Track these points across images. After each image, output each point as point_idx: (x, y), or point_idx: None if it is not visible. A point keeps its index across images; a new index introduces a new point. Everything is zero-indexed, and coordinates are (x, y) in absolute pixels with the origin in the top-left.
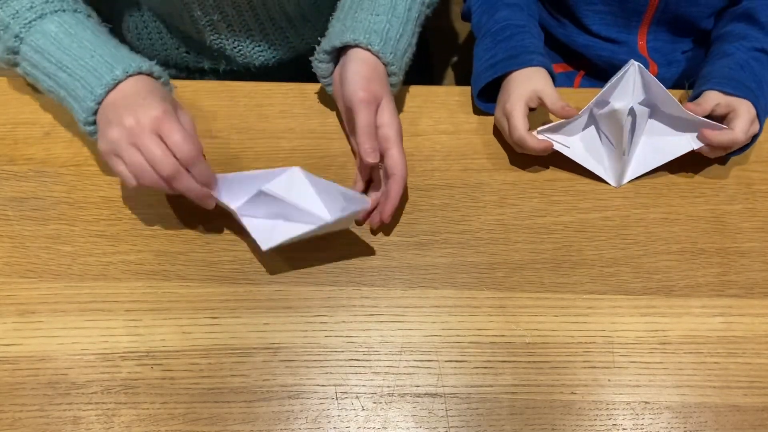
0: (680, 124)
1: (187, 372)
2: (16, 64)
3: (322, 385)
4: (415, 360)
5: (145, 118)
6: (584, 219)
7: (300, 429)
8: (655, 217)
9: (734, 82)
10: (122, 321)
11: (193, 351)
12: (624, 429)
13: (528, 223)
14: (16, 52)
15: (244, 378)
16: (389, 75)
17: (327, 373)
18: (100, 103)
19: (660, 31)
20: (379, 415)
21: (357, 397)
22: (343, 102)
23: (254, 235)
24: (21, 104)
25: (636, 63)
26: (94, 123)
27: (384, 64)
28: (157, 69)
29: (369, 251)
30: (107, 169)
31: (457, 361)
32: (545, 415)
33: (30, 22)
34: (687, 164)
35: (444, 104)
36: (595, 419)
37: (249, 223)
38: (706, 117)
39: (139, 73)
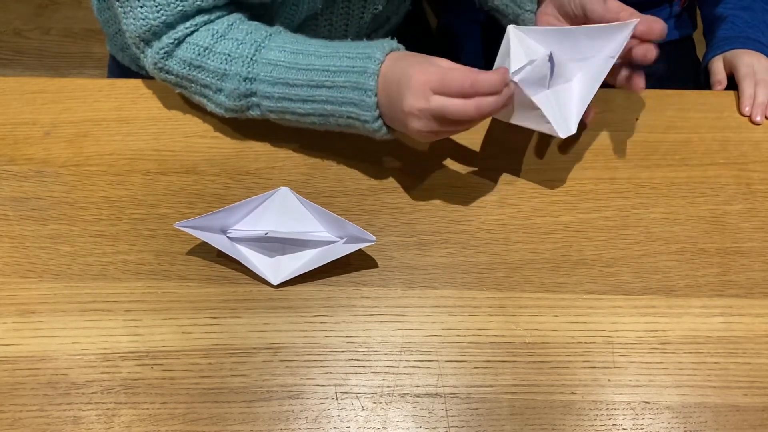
0: (588, 47)
1: (187, 372)
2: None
3: (322, 385)
4: (415, 360)
5: None
6: (584, 219)
7: (300, 429)
8: (655, 217)
9: (722, 41)
10: (122, 321)
11: (193, 351)
12: (624, 429)
13: (528, 223)
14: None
15: (244, 378)
16: None
17: (327, 373)
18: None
19: None
20: (379, 415)
21: (357, 397)
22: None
23: (263, 271)
24: (21, 104)
25: (509, 27)
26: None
27: None
28: None
29: (369, 251)
30: (107, 169)
31: (457, 361)
32: (545, 415)
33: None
34: (687, 164)
35: None
36: (595, 419)
37: (257, 261)
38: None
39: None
